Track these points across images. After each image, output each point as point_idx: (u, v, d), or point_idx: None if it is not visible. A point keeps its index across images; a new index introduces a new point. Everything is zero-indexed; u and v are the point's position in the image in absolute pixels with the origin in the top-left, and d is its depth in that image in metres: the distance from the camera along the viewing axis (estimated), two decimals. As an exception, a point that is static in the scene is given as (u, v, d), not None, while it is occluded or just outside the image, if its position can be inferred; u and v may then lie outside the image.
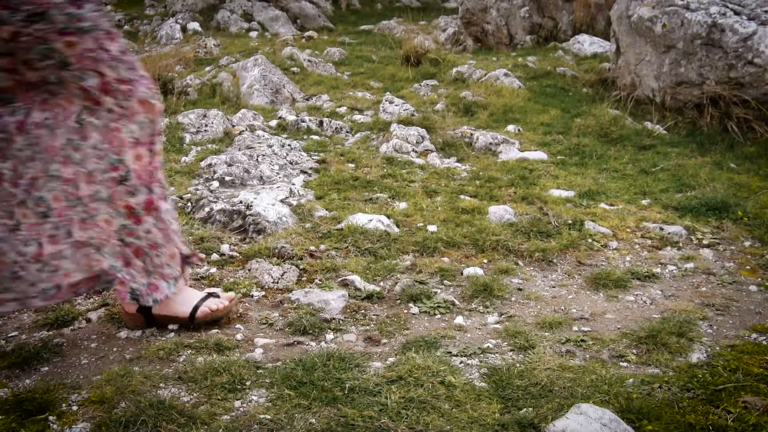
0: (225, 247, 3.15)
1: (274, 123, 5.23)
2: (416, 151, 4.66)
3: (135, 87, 2.14)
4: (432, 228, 3.41)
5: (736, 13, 5.31)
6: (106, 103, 2.12)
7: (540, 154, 4.62)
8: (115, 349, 2.28)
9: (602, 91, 6.03)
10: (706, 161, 4.65)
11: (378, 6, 14.75)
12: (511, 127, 5.12)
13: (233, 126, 5.02)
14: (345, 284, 2.83)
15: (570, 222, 3.51)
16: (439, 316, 2.65)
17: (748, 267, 3.16)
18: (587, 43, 7.38)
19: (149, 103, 2.18)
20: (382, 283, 2.90)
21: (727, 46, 5.14)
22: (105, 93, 2.10)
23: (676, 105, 5.45)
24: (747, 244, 3.42)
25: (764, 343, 2.40)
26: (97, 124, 2.12)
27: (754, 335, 2.47)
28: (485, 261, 3.16)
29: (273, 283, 2.85)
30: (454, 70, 6.51)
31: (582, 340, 2.41)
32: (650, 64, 5.56)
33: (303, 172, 4.19)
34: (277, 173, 4.10)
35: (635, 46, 5.70)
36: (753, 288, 2.94)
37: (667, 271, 3.14)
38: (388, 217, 3.46)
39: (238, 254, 3.12)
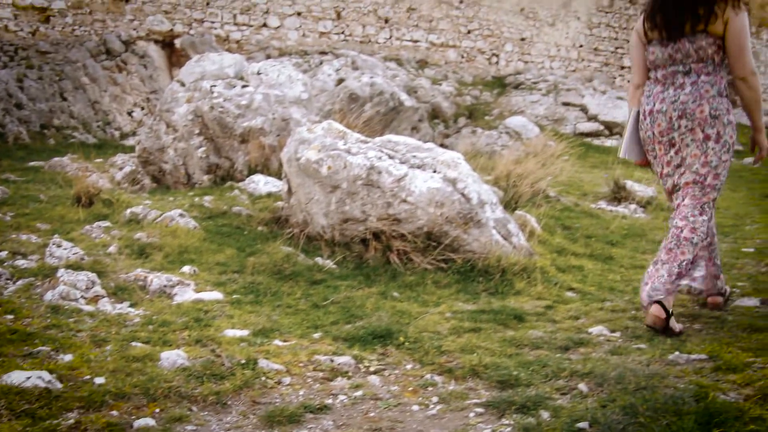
0: None
1: None
2: (86, 298, 4.43)
3: None
4: (100, 380, 3.22)
5: (390, 157, 5.92)
6: None
7: (216, 294, 4.64)
8: None
9: (277, 229, 6.27)
10: (373, 292, 5.00)
11: (51, 141, 14.07)
12: (186, 268, 5.10)
13: None
14: (-4, 453, 2.56)
15: (244, 362, 3.54)
16: (104, 476, 2.50)
17: (410, 388, 3.41)
18: (262, 183, 7.64)
19: None
20: (40, 448, 2.67)
21: (385, 186, 5.67)
22: None
23: (344, 240, 5.84)
24: (409, 366, 3.69)
25: (422, 460, 2.60)
26: None
27: (414, 454, 2.66)
28: (157, 410, 3.05)
29: None
30: (129, 211, 6.39)
31: (254, 483, 2.41)
32: (319, 203, 5.94)
33: (-49, 328, 3.77)
34: None
35: (305, 186, 6.06)
36: (415, 407, 3.17)
37: (338, 401, 3.27)
38: (51, 372, 3.21)
39: None
